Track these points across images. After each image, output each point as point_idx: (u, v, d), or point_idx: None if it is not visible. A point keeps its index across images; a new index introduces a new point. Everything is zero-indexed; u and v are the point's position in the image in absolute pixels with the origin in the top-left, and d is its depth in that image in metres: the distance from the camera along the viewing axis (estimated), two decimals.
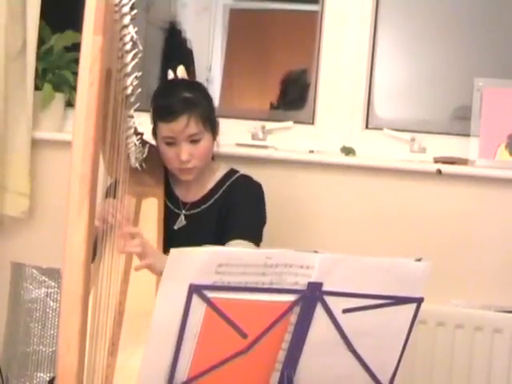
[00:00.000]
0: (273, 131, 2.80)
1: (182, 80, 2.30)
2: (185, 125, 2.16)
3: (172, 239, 2.14)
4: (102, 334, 1.66)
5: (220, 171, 2.33)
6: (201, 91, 2.27)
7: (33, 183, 2.85)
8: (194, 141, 2.19)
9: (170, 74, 2.32)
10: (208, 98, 2.27)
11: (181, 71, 2.31)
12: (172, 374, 1.39)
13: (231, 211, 2.24)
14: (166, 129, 2.18)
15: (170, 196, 2.31)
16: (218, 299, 1.37)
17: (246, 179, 2.32)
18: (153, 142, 2.30)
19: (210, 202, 2.28)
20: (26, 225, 2.89)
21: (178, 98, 2.19)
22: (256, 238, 2.20)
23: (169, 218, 2.25)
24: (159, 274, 1.91)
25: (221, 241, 2.16)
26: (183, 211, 2.30)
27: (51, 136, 2.85)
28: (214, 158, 2.38)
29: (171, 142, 2.20)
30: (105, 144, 1.62)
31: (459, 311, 2.52)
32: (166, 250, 2.06)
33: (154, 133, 2.25)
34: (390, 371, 1.53)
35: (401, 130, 2.73)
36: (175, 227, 2.28)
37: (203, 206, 2.29)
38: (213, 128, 2.24)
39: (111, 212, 1.98)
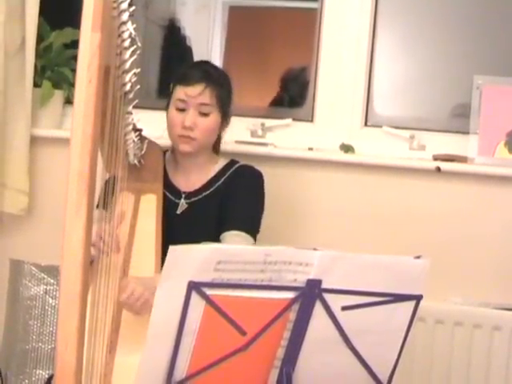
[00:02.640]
0: (272, 128, 2.80)
1: (211, 62, 2.41)
2: (200, 91, 2.21)
3: (174, 225, 2.17)
4: (100, 332, 1.66)
5: (221, 162, 2.36)
6: (225, 76, 2.33)
7: (32, 180, 2.85)
8: (202, 113, 2.23)
9: None
10: (229, 86, 2.32)
11: None
12: (171, 371, 1.39)
13: (231, 200, 2.26)
14: (181, 92, 2.23)
15: (168, 186, 2.31)
16: (216, 296, 1.37)
17: (248, 168, 2.35)
18: (152, 137, 2.30)
19: (212, 190, 2.30)
20: (24, 222, 2.89)
21: (201, 69, 2.27)
22: (253, 230, 2.23)
23: (169, 207, 2.26)
24: None
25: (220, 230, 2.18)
26: (185, 200, 2.30)
27: (50, 133, 2.85)
28: (219, 152, 2.40)
29: (181, 108, 2.23)
30: (103, 141, 1.62)
31: (458, 309, 2.52)
32: (165, 241, 2.08)
33: (167, 107, 2.29)
34: (388, 368, 1.53)
35: (400, 127, 2.73)
36: (178, 212, 2.28)
37: (204, 193, 2.30)
38: (224, 112, 2.27)
39: (104, 239, 1.96)
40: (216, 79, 2.25)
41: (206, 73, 2.25)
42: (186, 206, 2.30)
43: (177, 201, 2.31)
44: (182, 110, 2.23)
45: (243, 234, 2.19)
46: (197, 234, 1.95)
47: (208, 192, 2.30)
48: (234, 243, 2.14)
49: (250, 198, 2.28)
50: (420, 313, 1.52)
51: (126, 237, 2.08)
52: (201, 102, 2.22)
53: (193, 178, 2.32)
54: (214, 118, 2.25)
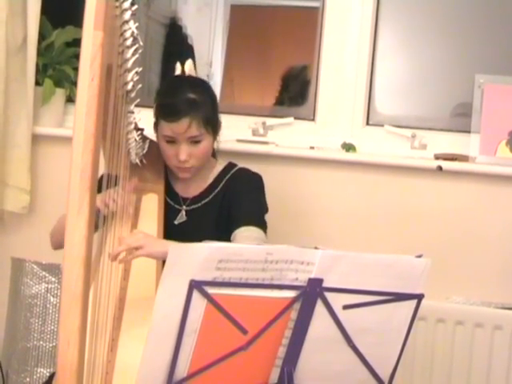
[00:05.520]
0: (273, 127, 2.80)
1: (188, 78, 2.28)
2: (186, 127, 2.15)
3: (173, 234, 2.13)
4: (102, 330, 1.66)
5: (219, 165, 2.34)
6: (205, 91, 2.25)
7: (33, 179, 2.85)
8: (193, 142, 2.19)
9: (178, 68, 2.30)
10: (212, 98, 2.26)
11: (189, 66, 2.30)
12: (172, 369, 1.39)
13: (234, 202, 2.25)
14: (167, 128, 2.18)
15: (169, 192, 2.31)
16: (218, 295, 1.37)
17: (245, 171, 2.33)
18: (153, 137, 2.30)
19: (211, 197, 2.29)
20: (26, 220, 2.89)
21: (181, 99, 2.17)
22: (262, 225, 2.21)
23: (169, 213, 2.26)
24: (160, 258, 1.93)
25: (225, 233, 2.17)
26: (184, 207, 2.30)
27: (52, 131, 2.86)
28: (216, 154, 2.38)
29: (171, 141, 2.19)
30: (105, 140, 1.61)
31: (459, 308, 2.53)
32: None
33: (156, 128, 2.25)
34: (390, 367, 1.53)
35: (402, 126, 2.73)
36: (176, 222, 2.28)
37: (204, 201, 2.29)
38: (214, 129, 2.23)
39: (112, 196, 1.99)
40: (199, 103, 2.16)
41: (188, 101, 2.15)
42: (186, 218, 2.29)
43: (177, 207, 2.30)
44: (173, 142, 2.19)
45: (252, 227, 2.17)
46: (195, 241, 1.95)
47: (207, 200, 2.29)
48: (246, 238, 2.13)
49: (253, 197, 2.27)
50: (421, 312, 1.52)
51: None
52: (190, 135, 2.16)
53: (192, 185, 2.31)
54: (207, 141, 2.20)
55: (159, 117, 2.21)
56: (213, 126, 2.22)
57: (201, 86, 2.27)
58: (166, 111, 2.18)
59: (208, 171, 2.32)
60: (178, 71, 2.31)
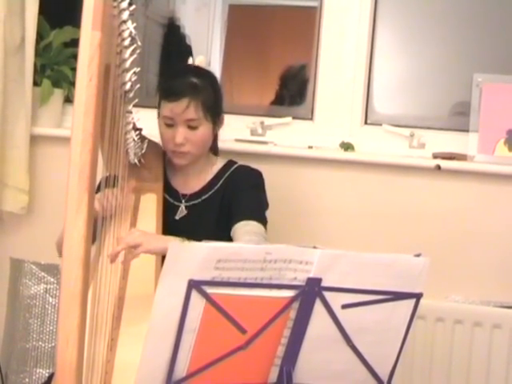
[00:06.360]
0: (272, 127, 2.80)
1: (195, 66, 2.33)
2: (184, 108, 2.17)
3: (173, 230, 2.14)
4: (101, 330, 1.66)
5: (219, 163, 2.35)
6: (209, 79, 2.28)
7: (32, 179, 2.85)
8: (191, 126, 2.20)
9: (190, 61, 2.35)
10: (215, 88, 2.28)
11: (200, 60, 2.34)
12: (171, 369, 1.39)
13: (234, 198, 2.25)
14: (166, 108, 2.21)
15: (168, 189, 2.31)
16: (217, 295, 1.37)
17: (245, 168, 2.34)
18: (152, 137, 2.30)
19: (211, 193, 2.29)
20: (25, 221, 2.89)
21: (183, 81, 2.22)
22: (262, 219, 2.21)
23: (168, 210, 2.26)
24: (159, 253, 1.94)
25: (226, 230, 2.18)
26: (183, 203, 2.30)
27: (50, 132, 2.86)
28: (218, 152, 2.39)
29: (170, 124, 2.21)
30: (103, 140, 1.61)
31: (458, 307, 2.53)
32: None
33: (159, 114, 2.27)
34: (389, 366, 1.53)
35: (400, 125, 2.74)
36: (176, 217, 2.28)
37: (204, 197, 2.30)
38: (214, 118, 2.24)
39: (110, 200, 2.00)
40: (200, 88, 2.20)
41: (189, 84, 2.20)
42: (185, 212, 2.30)
43: (176, 203, 2.31)
44: (171, 126, 2.21)
45: (252, 222, 2.18)
46: (195, 238, 1.95)
47: (207, 196, 2.30)
48: (246, 232, 2.14)
49: (253, 193, 2.27)
50: (420, 311, 1.52)
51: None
52: (187, 117, 2.19)
53: (191, 181, 2.32)
54: (204, 128, 2.22)
55: (161, 97, 2.24)
56: (212, 115, 2.23)
57: (205, 74, 2.30)
58: (166, 91, 2.23)
59: (208, 168, 2.33)
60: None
